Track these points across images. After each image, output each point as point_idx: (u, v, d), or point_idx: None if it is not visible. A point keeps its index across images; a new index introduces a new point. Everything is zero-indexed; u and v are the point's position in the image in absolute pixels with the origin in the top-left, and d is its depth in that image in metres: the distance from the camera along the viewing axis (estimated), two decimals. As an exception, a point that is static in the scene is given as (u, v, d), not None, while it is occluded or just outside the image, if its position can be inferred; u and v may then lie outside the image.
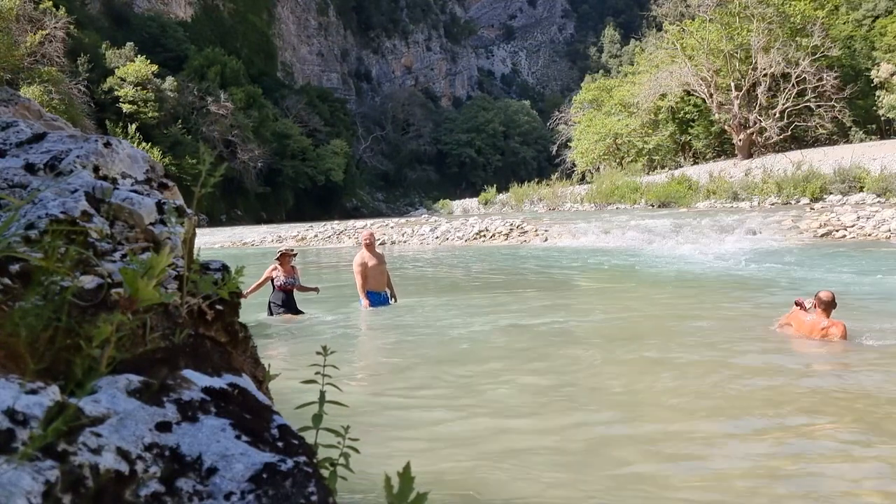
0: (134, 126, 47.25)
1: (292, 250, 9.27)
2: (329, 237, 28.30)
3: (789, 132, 41.95)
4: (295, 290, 9.10)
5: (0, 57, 38.43)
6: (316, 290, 9.44)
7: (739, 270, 12.60)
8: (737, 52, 42.60)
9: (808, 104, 40.78)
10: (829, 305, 6.42)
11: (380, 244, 9.69)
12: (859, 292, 9.21)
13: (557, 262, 16.26)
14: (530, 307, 9.33)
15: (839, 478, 3.41)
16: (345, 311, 9.30)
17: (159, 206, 1.31)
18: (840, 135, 43.21)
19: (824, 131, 41.50)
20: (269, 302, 8.99)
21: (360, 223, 31.42)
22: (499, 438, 4.06)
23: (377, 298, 9.25)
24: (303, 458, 0.85)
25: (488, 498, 3.30)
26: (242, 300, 1.38)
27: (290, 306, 8.97)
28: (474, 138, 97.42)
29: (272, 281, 8.95)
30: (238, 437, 0.86)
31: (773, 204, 27.12)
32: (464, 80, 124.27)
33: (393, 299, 9.43)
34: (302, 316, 8.92)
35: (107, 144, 1.42)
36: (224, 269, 1.34)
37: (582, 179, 51.01)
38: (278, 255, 9.08)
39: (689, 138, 48.31)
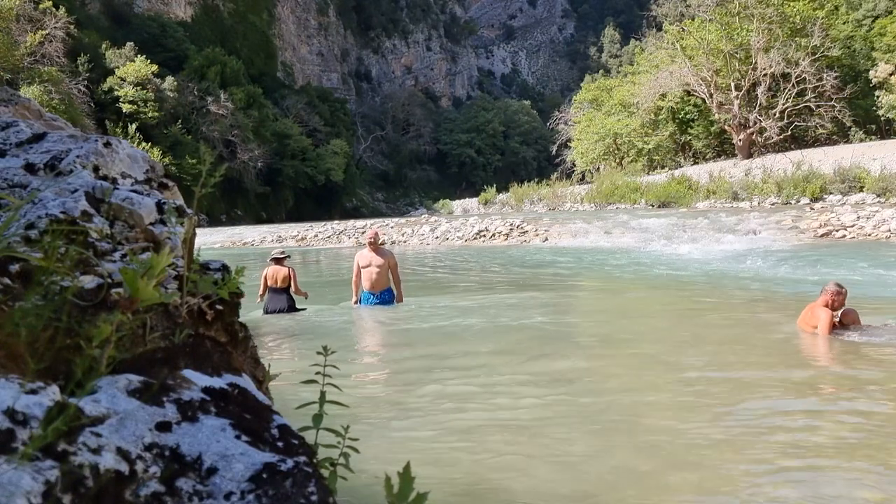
0: (134, 126, 47.27)
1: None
2: (329, 237, 28.30)
3: (789, 132, 41.90)
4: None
5: (0, 57, 38.46)
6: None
7: (739, 270, 12.59)
8: (737, 52, 42.54)
9: (808, 104, 40.73)
10: (827, 296, 6.49)
11: (379, 244, 9.50)
12: (859, 292, 9.21)
13: (557, 262, 16.25)
14: (530, 307, 9.32)
15: (840, 477, 3.40)
16: (345, 311, 9.29)
17: (159, 206, 1.31)
18: (840, 135, 43.17)
19: (824, 131, 41.47)
20: None
21: (360, 223, 31.42)
22: (499, 438, 4.06)
23: (370, 298, 9.00)
24: (303, 458, 0.85)
25: (488, 497, 3.30)
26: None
27: None
28: (474, 138, 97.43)
29: None
30: (238, 437, 0.86)
31: (773, 204, 27.10)
32: (464, 80, 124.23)
33: (397, 301, 9.16)
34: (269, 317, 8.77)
35: (107, 144, 1.42)
36: (224, 269, 1.34)
37: (582, 179, 50.97)
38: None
39: (689, 138, 48.27)
